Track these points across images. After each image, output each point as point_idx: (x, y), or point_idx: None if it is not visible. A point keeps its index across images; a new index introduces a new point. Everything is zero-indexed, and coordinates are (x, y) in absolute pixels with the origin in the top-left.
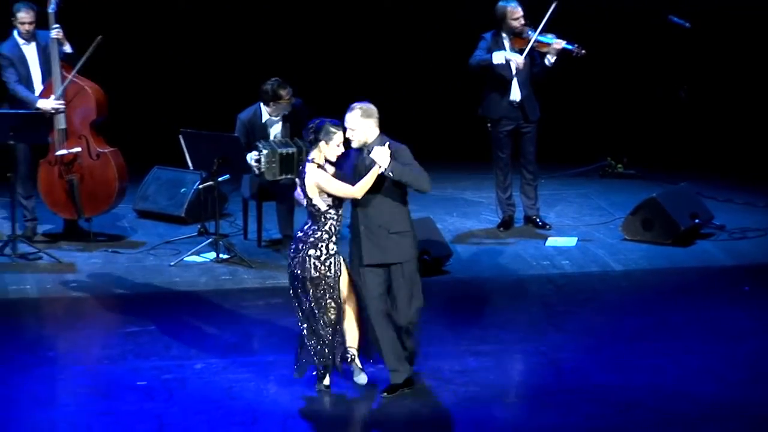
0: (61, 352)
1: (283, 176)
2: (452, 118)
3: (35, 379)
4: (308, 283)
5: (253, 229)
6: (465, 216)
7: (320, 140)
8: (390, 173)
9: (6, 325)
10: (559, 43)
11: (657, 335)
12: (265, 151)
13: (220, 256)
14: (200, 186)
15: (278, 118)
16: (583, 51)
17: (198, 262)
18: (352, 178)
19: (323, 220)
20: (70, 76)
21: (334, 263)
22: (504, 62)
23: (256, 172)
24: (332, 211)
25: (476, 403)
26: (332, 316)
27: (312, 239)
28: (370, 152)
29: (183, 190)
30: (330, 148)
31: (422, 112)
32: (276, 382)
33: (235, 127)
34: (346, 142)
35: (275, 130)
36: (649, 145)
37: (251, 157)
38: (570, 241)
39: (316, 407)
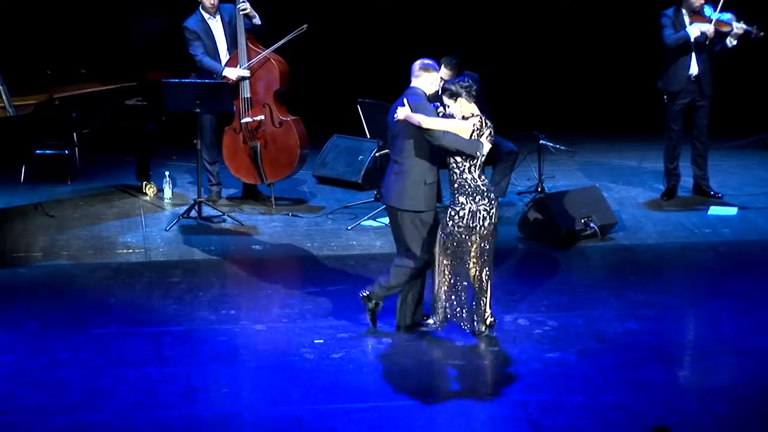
0: (242, 311)
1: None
2: (619, 90)
3: (217, 336)
4: (488, 233)
5: None
6: (630, 185)
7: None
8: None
9: (191, 285)
10: (741, 27)
11: None
12: None
13: None
14: (377, 153)
15: None
16: (762, 33)
17: (374, 226)
18: None
19: (472, 174)
20: (264, 52)
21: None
22: (700, 34)
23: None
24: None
25: (637, 364)
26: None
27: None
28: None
29: (360, 157)
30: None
31: (589, 86)
32: (449, 339)
33: None
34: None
35: None
36: None
37: None
38: (731, 210)
39: (482, 364)
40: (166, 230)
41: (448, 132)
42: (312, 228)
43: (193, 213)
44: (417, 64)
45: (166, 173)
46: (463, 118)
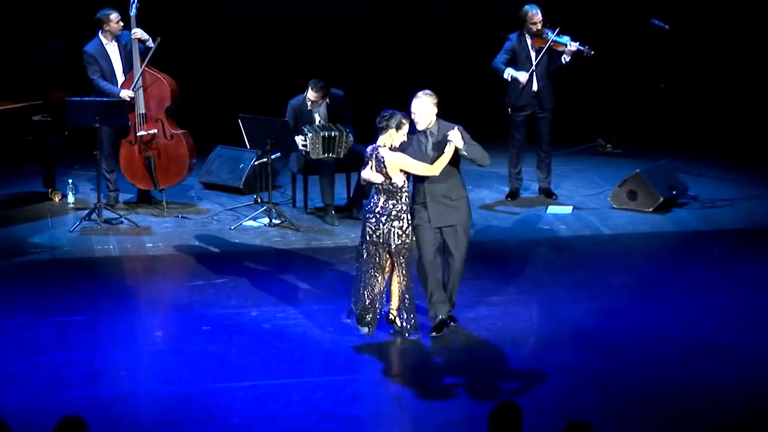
0: (139, 302)
1: (325, 155)
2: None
3: (118, 325)
4: (393, 250)
5: (299, 198)
6: (478, 187)
7: (391, 127)
8: (464, 152)
9: (93, 279)
10: (574, 45)
11: (640, 289)
12: (309, 135)
13: (273, 221)
14: (256, 162)
15: (321, 105)
16: (593, 52)
17: (254, 226)
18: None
19: (400, 194)
20: (141, 67)
21: (412, 232)
22: (510, 80)
23: (303, 151)
24: (406, 187)
25: (486, 345)
26: (378, 279)
27: (395, 212)
28: (433, 134)
29: (241, 165)
30: (399, 136)
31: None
32: (319, 327)
33: (286, 112)
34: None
35: (319, 116)
36: (634, 127)
37: (299, 139)
38: (566, 210)
39: (353, 347)
40: (70, 231)
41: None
42: (199, 228)
43: (94, 216)
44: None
45: (70, 181)
46: (392, 148)
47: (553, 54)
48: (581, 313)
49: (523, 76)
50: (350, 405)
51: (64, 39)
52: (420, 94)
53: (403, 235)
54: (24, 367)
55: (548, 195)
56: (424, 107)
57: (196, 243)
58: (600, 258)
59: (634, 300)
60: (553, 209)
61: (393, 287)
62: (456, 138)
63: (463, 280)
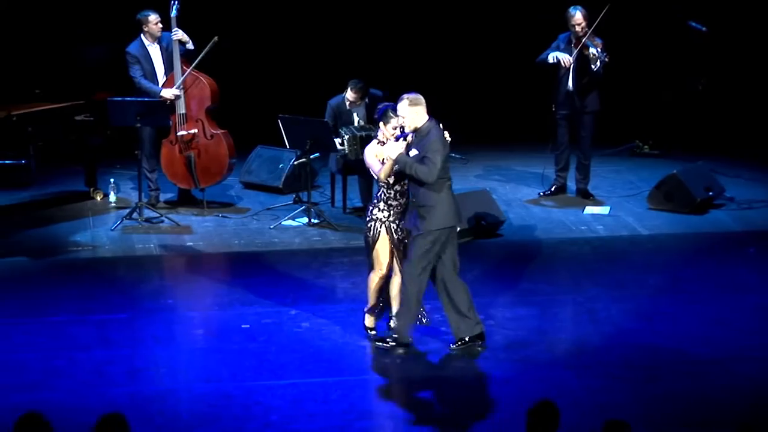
0: (178, 300)
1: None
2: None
3: (157, 323)
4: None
5: (338, 198)
6: (516, 188)
7: (380, 122)
8: (396, 165)
9: (133, 277)
10: (595, 53)
11: (676, 289)
12: (347, 136)
13: (312, 220)
14: (295, 162)
15: (361, 105)
16: (606, 59)
17: (293, 225)
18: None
19: (377, 187)
20: (189, 70)
21: (373, 226)
22: (555, 61)
23: (341, 152)
24: (397, 186)
25: (524, 344)
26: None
27: (371, 203)
28: (413, 138)
29: (281, 165)
30: (387, 130)
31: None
32: (357, 326)
33: (325, 112)
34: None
35: (358, 116)
36: (672, 129)
37: (337, 140)
38: (604, 210)
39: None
40: (111, 230)
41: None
42: (239, 227)
43: (135, 215)
44: (412, 99)
45: (111, 180)
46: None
47: (587, 59)
48: (618, 313)
49: (566, 58)
50: (387, 403)
51: (101, 43)
52: (403, 96)
53: (365, 226)
54: (65, 364)
55: (585, 196)
56: (402, 110)
57: (236, 242)
58: (637, 258)
59: (671, 300)
60: (590, 209)
61: (393, 291)
62: (390, 150)
63: (502, 279)
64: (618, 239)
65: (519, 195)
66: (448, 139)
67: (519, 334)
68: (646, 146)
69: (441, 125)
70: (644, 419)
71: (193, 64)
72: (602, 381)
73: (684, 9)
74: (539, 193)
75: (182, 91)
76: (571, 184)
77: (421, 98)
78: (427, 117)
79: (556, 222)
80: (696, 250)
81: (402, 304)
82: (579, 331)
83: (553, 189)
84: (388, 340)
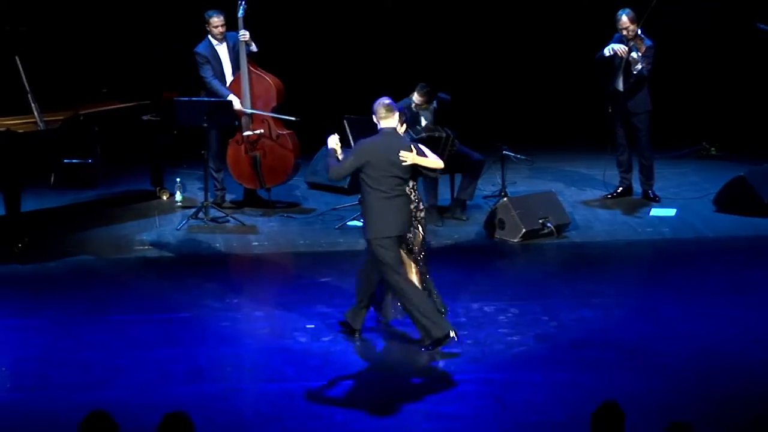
0: (243, 300)
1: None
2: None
3: (221, 322)
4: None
5: None
6: (581, 189)
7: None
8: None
9: (198, 277)
10: (632, 56)
11: (742, 292)
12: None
13: None
14: None
15: (428, 108)
16: (645, 65)
17: (358, 226)
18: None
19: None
20: (258, 72)
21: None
22: (612, 53)
23: None
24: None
25: (587, 346)
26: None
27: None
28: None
29: None
30: (401, 128)
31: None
32: None
33: None
34: None
35: (425, 119)
36: (739, 131)
37: None
38: (670, 212)
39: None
40: (177, 229)
41: None
42: (304, 227)
43: (201, 214)
44: (384, 105)
45: (178, 180)
46: None
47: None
48: (682, 316)
49: (622, 48)
50: (452, 404)
51: (171, 44)
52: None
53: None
54: (130, 363)
55: (650, 198)
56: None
57: (301, 242)
58: (703, 260)
59: (736, 303)
60: (656, 211)
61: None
62: (330, 141)
63: (567, 281)
64: (683, 242)
65: (583, 196)
66: (405, 161)
67: (582, 335)
68: (712, 148)
69: (413, 145)
70: (707, 420)
71: (264, 113)
72: (665, 382)
73: (753, 11)
74: (605, 195)
75: (247, 90)
76: (637, 186)
77: (383, 108)
78: (381, 127)
79: (621, 224)
80: (762, 253)
81: (404, 307)
82: (642, 332)
83: (619, 191)
84: (426, 342)
